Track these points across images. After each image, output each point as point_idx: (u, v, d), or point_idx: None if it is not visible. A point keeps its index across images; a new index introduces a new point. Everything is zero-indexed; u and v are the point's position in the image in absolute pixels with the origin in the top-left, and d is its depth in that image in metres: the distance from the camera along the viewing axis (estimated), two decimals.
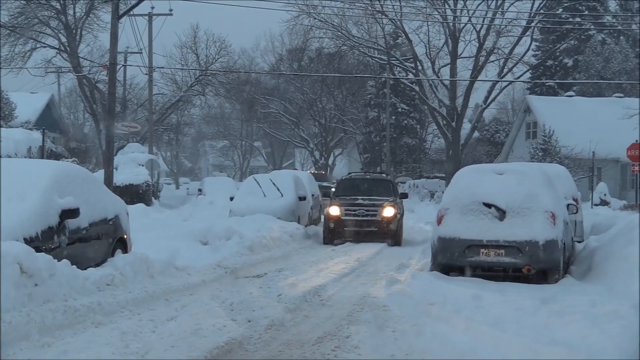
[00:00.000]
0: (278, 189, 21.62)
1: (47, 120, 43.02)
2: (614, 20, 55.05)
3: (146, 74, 39.17)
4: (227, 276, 12.26)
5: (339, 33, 43.52)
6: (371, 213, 19.67)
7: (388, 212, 19.58)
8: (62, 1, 38.43)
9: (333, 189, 24.60)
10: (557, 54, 50.87)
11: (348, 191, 21.06)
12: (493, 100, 44.18)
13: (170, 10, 38.09)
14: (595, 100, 43.19)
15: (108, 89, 22.04)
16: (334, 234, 19.87)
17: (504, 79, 42.79)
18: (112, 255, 10.71)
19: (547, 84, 51.32)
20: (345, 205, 19.92)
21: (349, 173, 26.60)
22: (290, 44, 57.39)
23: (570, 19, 47.33)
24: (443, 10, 41.19)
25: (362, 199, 20.23)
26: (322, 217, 22.01)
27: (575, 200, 15.39)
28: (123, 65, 40.49)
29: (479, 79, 41.86)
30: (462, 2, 40.76)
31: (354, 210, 19.76)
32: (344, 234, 19.87)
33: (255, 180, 22.63)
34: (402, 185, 49.00)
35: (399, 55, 45.34)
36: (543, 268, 11.00)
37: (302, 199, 22.03)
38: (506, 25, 41.10)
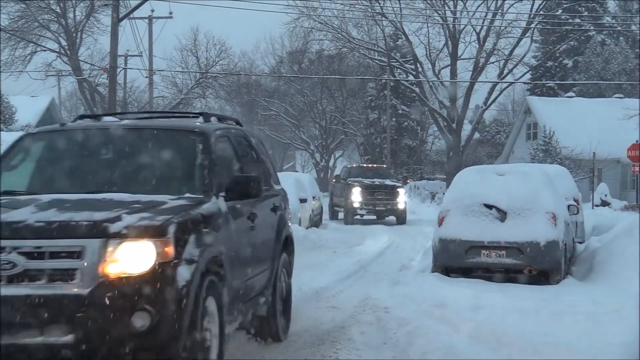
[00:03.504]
0: None
1: (47, 124, 42.98)
2: (614, 21, 55.08)
3: (146, 77, 39.16)
4: None
5: (339, 35, 43.54)
6: None
7: None
8: (62, 4, 38.47)
9: None
10: (557, 54, 50.85)
11: None
12: (493, 101, 44.24)
13: (171, 13, 38.09)
14: (595, 101, 43.14)
15: (108, 92, 22.07)
16: None
17: (504, 80, 42.83)
18: None
19: (547, 85, 51.29)
20: None
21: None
22: (291, 46, 57.44)
23: (570, 20, 47.37)
24: (443, 11, 41.22)
25: None
26: None
27: (576, 201, 15.35)
28: (123, 68, 40.48)
29: (479, 80, 41.88)
30: (461, 3, 40.82)
31: None
32: None
33: None
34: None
35: (399, 57, 45.34)
36: (544, 269, 10.99)
37: (302, 201, 22.04)
38: (506, 27, 41.15)
